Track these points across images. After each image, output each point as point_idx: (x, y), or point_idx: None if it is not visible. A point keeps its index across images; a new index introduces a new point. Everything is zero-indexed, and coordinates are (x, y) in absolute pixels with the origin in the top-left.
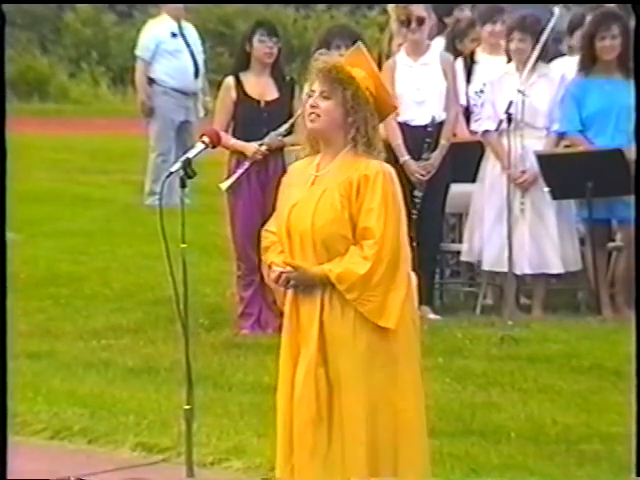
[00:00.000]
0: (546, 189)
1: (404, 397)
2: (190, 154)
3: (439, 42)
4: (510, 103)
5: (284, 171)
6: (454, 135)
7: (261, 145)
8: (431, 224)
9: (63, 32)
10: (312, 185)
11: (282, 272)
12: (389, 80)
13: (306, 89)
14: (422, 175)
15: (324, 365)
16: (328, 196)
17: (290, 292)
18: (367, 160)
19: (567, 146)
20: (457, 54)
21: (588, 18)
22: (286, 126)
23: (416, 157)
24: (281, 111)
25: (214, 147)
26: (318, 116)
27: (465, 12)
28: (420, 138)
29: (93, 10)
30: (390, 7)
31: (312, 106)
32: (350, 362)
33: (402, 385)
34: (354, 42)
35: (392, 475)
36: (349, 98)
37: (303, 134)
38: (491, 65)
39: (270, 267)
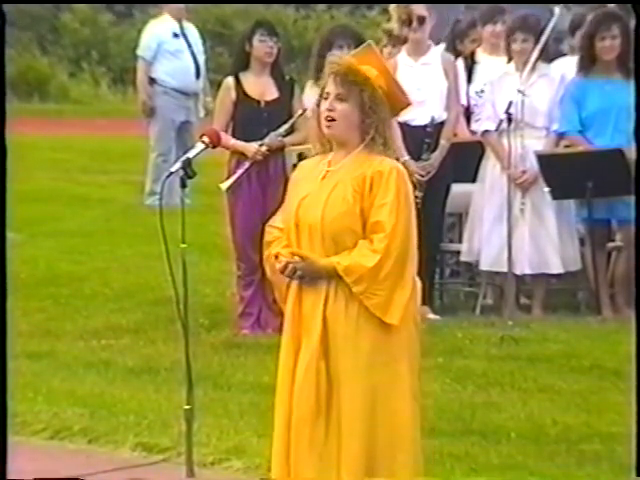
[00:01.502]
0: (546, 189)
1: (402, 397)
2: (190, 154)
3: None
4: (510, 103)
5: (284, 171)
6: (454, 135)
7: (261, 145)
8: (431, 224)
9: (61, 32)
10: (323, 179)
11: (289, 262)
12: None
13: (307, 90)
14: (421, 176)
15: (325, 359)
16: (340, 190)
17: (294, 284)
18: (381, 157)
19: (567, 146)
20: (457, 54)
21: (588, 18)
22: (286, 126)
23: (416, 157)
24: (281, 111)
25: (214, 147)
26: (334, 120)
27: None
28: (420, 138)
29: (90, 10)
30: (391, 7)
31: (329, 109)
32: (351, 358)
33: (401, 385)
34: (356, 42)
35: (388, 474)
36: (367, 100)
37: (313, 133)
38: (492, 65)
39: (277, 257)
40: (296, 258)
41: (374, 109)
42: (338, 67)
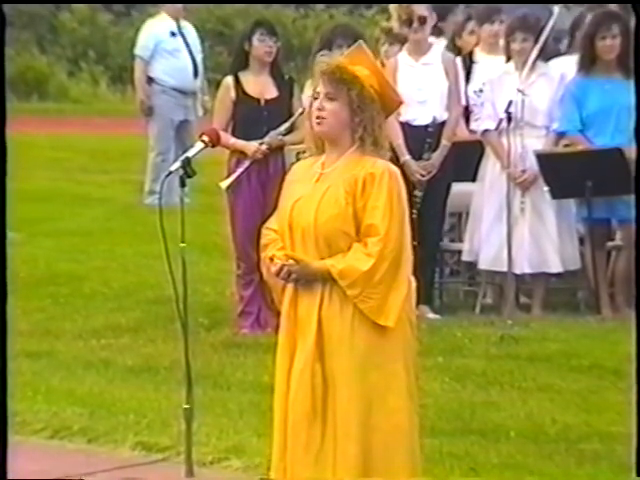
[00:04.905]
0: (546, 188)
1: (399, 397)
2: (189, 153)
3: (442, 42)
4: (510, 102)
5: (284, 170)
6: (454, 134)
7: (261, 144)
8: (431, 224)
9: (60, 32)
10: (317, 182)
11: (284, 265)
12: (391, 80)
13: (306, 89)
14: (422, 175)
15: (320, 361)
16: (333, 192)
17: (290, 286)
18: (374, 159)
19: (567, 145)
20: (458, 51)
21: (588, 18)
22: (286, 125)
23: (417, 157)
24: (281, 110)
25: (214, 146)
26: (324, 119)
27: (458, 17)
28: (421, 138)
29: (89, 10)
30: (392, 7)
31: (318, 109)
32: (346, 360)
33: (397, 385)
34: (356, 41)
35: (383, 474)
36: (355, 98)
37: (307, 134)
38: (490, 65)
39: (272, 260)
40: (290, 261)
41: (362, 108)
42: (326, 66)
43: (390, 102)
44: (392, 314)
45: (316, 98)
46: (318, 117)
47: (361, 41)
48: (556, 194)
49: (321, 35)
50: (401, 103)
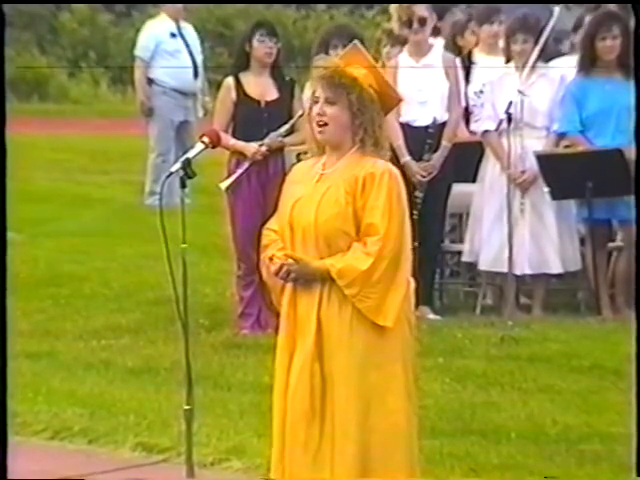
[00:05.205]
0: (546, 189)
1: (397, 397)
2: (190, 154)
3: (440, 42)
4: (510, 103)
5: (284, 171)
6: (454, 135)
7: (261, 145)
8: (432, 225)
9: (60, 32)
10: (317, 182)
11: (283, 264)
12: (391, 81)
13: (306, 90)
14: (423, 176)
15: (319, 360)
16: (333, 192)
17: (289, 286)
18: (374, 159)
19: (567, 146)
20: (458, 50)
21: (588, 18)
22: (287, 126)
23: (417, 158)
24: (281, 111)
25: (214, 147)
26: (326, 125)
27: (457, 16)
28: (421, 139)
29: (89, 10)
30: (392, 7)
31: (319, 114)
32: (345, 360)
33: (396, 385)
34: (351, 41)
35: (382, 475)
36: (354, 101)
37: (308, 136)
38: (489, 65)
39: (271, 259)
40: (290, 260)
41: (362, 110)
42: (324, 71)
43: (389, 100)
44: (390, 314)
45: (316, 102)
46: (319, 123)
47: (356, 41)
48: (556, 195)
49: (318, 36)
50: (400, 100)
